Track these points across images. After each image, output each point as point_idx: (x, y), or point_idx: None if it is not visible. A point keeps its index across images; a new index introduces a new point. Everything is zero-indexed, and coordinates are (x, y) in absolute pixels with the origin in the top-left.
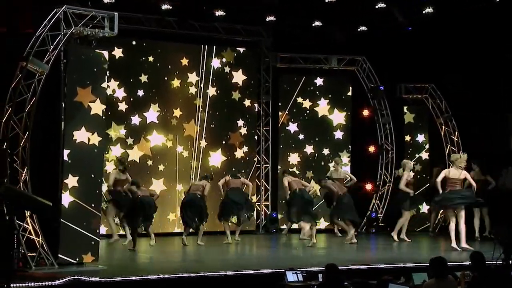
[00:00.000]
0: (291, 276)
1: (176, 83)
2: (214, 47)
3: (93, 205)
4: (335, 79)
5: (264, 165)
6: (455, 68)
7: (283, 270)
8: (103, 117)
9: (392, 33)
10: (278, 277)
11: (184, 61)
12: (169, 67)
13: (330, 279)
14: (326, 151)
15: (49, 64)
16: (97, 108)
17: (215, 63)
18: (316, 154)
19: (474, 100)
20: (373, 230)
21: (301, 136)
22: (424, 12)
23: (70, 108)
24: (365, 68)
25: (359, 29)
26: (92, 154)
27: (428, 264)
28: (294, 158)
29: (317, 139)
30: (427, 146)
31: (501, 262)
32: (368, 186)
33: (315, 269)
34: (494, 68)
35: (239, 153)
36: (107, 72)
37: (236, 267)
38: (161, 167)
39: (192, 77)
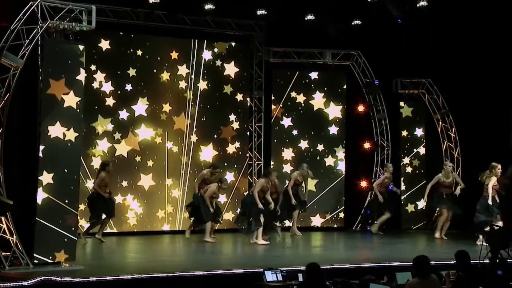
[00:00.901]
0: (270, 276)
1: (165, 76)
2: (205, 41)
3: (67, 201)
4: (329, 74)
5: (256, 162)
6: (453, 61)
7: (262, 269)
8: (78, 110)
9: (387, 26)
10: (257, 276)
11: (174, 55)
12: (158, 58)
13: (311, 279)
14: (320, 147)
15: (24, 59)
16: (71, 100)
17: (206, 55)
18: (312, 149)
19: (472, 94)
20: (368, 228)
21: (295, 132)
22: (418, 5)
23: (44, 102)
24: (360, 63)
25: (353, 23)
26: (67, 150)
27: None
28: (288, 154)
29: (312, 133)
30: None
31: (488, 261)
32: (363, 183)
33: (295, 268)
34: (494, 61)
35: (231, 149)
36: (95, 66)
37: (215, 267)
38: (150, 163)
39: (182, 70)
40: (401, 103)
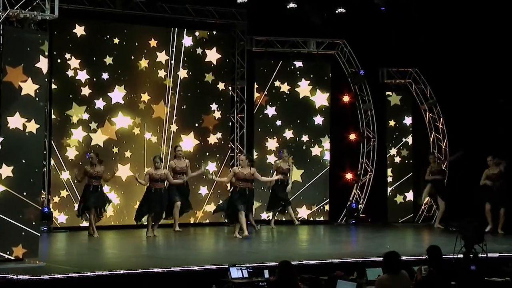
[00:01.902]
0: (235, 272)
1: (144, 63)
2: (185, 30)
3: (26, 194)
4: (314, 64)
5: (238, 154)
6: (441, 51)
7: (227, 266)
8: (37, 99)
9: (373, 15)
10: (224, 273)
11: (153, 43)
12: (136, 44)
13: (283, 276)
14: (305, 138)
15: None
16: (29, 88)
17: (187, 41)
18: (297, 138)
19: (461, 85)
20: (353, 221)
21: (278, 122)
22: None
23: (2, 91)
24: (345, 52)
25: (337, 11)
26: (28, 143)
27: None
28: (272, 144)
29: (298, 121)
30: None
31: (462, 255)
32: (349, 176)
33: (261, 264)
34: (484, 51)
35: (212, 139)
36: (69, 54)
37: (185, 263)
38: (127, 153)
39: (162, 56)
40: (389, 92)
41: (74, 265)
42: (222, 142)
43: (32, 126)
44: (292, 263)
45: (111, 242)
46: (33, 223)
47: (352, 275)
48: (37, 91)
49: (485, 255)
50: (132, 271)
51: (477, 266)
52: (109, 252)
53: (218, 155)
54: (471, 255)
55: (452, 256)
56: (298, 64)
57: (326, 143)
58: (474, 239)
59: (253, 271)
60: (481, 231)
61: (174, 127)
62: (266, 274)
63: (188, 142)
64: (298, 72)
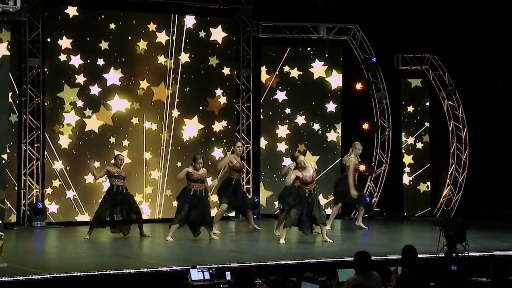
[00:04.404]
0: (195, 274)
1: (142, 45)
2: (186, 16)
3: None
4: (325, 50)
5: (245, 145)
6: (461, 34)
7: (188, 267)
8: None
9: None
10: (183, 275)
11: (152, 27)
12: (134, 22)
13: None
14: (316, 126)
15: None
16: None
17: (189, 20)
18: (311, 123)
19: (481, 70)
20: (366, 215)
21: (288, 110)
22: None
23: None
24: (358, 37)
25: None
26: None
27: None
28: (282, 131)
29: (311, 105)
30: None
31: (444, 255)
32: (362, 167)
33: (225, 265)
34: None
35: (217, 126)
36: (61, 40)
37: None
38: (125, 142)
39: (162, 37)
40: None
41: (39, 267)
42: (229, 127)
43: None
44: (263, 263)
45: (91, 241)
46: None
47: (323, 276)
48: None
49: (467, 254)
50: (90, 273)
51: (458, 265)
52: (78, 252)
53: (224, 141)
54: (453, 254)
55: (435, 255)
56: (309, 48)
57: (341, 130)
58: (456, 238)
59: (216, 273)
60: (463, 229)
61: (176, 113)
62: (228, 276)
63: (192, 128)
64: (312, 53)
